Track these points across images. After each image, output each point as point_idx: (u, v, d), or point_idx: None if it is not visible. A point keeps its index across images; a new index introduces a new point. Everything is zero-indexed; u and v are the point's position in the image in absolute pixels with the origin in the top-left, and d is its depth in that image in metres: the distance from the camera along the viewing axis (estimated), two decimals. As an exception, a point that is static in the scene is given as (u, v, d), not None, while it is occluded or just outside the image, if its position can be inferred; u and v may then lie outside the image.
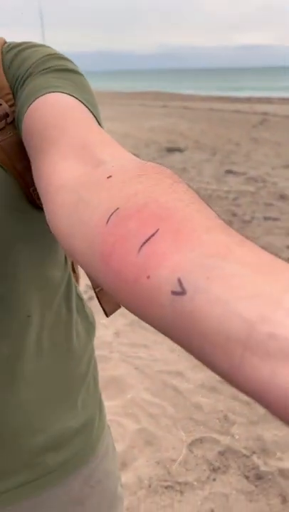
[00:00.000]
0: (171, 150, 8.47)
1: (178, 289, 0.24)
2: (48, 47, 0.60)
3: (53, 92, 0.51)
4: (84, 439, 0.73)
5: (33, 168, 0.48)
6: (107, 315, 0.75)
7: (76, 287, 0.74)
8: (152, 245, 0.27)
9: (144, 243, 0.27)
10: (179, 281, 0.24)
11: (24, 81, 0.55)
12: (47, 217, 0.41)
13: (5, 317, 0.60)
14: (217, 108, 17.09)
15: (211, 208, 0.31)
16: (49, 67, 0.55)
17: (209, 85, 41.75)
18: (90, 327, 0.76)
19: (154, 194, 0.30)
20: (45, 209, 0.42)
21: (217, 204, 5.29)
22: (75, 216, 0.36)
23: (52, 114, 0.48)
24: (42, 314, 0.64)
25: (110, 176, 0.35)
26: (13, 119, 0.56)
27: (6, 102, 0.56)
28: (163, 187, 0.32)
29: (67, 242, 0.37)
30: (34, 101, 0.50)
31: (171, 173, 0.35)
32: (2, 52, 0.58)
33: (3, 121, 0.55)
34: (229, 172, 6.84)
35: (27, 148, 0.51)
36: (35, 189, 0.55)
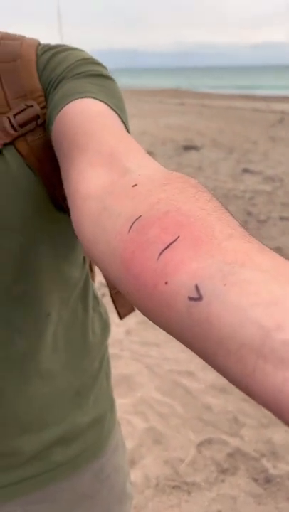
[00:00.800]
0: (187, 148, 8.44)
1: (195, 294, 0.25)
2: (82, 51, 0.60)
3: (85, 97, 0.51)
4: (95, 435, 0.73)
5: (62, 171, 0.49)
6: (120, 317, 0.76)
7: (92, 286, 0.75)
8: (172, 252, 0.27)
9: (164, 250, 0.28)
10: (196, 287, 0.25)
11: (57, 84, 0.56)
12: (73, 224, 0.42)
13: (24, 314, 0.61)
14: (235, 106, 16.98)
15: (230, 214, 0.32)
16: (82, 72, 0.56)
17: (227, 83, 41.50)
18: (105, 326, 0.77)
19: (177, 202, 0.31)
20: (72, 215, 0.43)
21: (233, 203, 5.25)
22: (99, 224, 0.37)
23: (82, 120, 0.48)
24: (59, 312, 0.65)
25: (136, 185, 0.36)
26: (44, 120, 0.56)
27: (38, 103, 0.56)
28: (186, 195, 0.32)
29: (91, 248, 0.38)
30: (66, 105, 0.51)
31: (195, 182, 0.36)
32: (37, 54, 0.59)
33: (34, 123, 0.56)
34: (246, 171, 6.79)
35: (56, 152, 0.51)
36: (60, 191, 0.56)
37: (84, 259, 0.71)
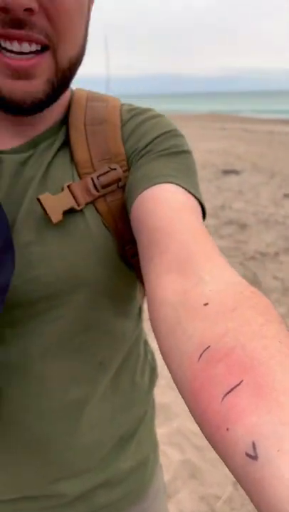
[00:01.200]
0: (227, 172, 8.43)
1: (252, 452, 0.26)
2: (165, 118, 0.63)
3: (167, 182, 0.54)
4: (138, 478, 0.73)
5: (141, 260, 0.51)
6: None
7: (144, 333, 0.76)
8: (235, 397, 0.29)
9: (228, 393, 0.30)
10: (253, 444, 0.26)
11: (141, 156, 0.58)
12: (151, 323, 0.45)
13: (81, 364, 0.62)
14: (276, 131, 16.87)
15: None
16: (166, 149, 0.58)
17: (269, 108, 41.40)
18: (153, 372, 0.78)
19: (243, 338, 0.33)
20: (149, 313, 0.45)
21: (274, 228, 5.17)
22: (172, 338, 0.40)
23: (161, 215, 0.50)
24: (111, 361, 0.66)
25: (207, 304, 0.38)
26: (124, 183, 0.59)
27: (121, 167, 0.59)
28: (253, 329, 0.33)
29: (163, 351, 0.41)
30: (148, 188, 0.53)
31: (265, 305, 0.37)
32: (122, 119, 0.62)
33: (115, 185, 0.58)
34: (287, 196, 6.69)
35: (135, 233, 0.54)
36: (130, 248, 0.59)
37: (139, 310, 0.72)
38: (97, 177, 0.58)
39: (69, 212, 0.56)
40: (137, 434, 0.73)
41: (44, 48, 0.49)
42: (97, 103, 0.63)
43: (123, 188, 0.59)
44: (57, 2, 0.47)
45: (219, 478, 1.90)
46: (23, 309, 0.57)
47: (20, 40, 0.47)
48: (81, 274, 0.57)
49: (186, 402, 0.36)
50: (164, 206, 0.51)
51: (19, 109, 0.52)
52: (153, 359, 0.79)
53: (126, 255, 0.60)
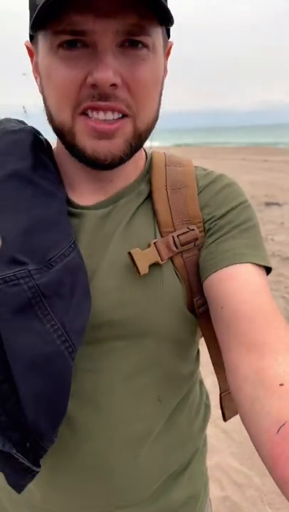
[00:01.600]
0: (269, 204, 8.39)
1: None
2: (237, 186, 0.71)
3: (243, 262, 0.61)
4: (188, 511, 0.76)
5: (219, 339, 0.60)
6: (225, 419, 0.80)
7: (200, 375, 0.82)
8: None
9: None
10: None
11: (219, 227, 0.66)
12: (233, 395, 0.54)
13: (142, 400, 0.68)
14: None
15: None
16: (240, 224, 0.65)
17: (313, 139, 40.96)
18: (207, 413, 0.82)
19: None
20: (230, 385, 0.55)
21: (317, 262, 5.08)
22: (252, 412, 0.48)
23: (242, 299, 0.58)
24: (171, 400, 0.72)
25: (282, 384, 0.48)
26: (200, 242, 0.66)
27: (198, 228, 0.66)
28: None
29: (245, 421, 0.51)
30: (227, 266, 0.61)
31: None
32: (198, 185, 0.69)
33: (192, 244, 0.66)
34: None
35: (209, 296, 0.62)
36: (198, 299, 0.66)
37: (197, 353, 0.78)
38: (178, 236, 0.65)
39: (153, 266, 0.63)
40: (188, 469, 0.77)
41: (124, 115, 0.57)
42: (175, 167, 0.70)
43: (198, 246, 0.66)
44: (136, 78, 0.55)
45: (260, 517, 1.86)
46: (95, 347, 0.64)
47: (105, 110, 0.56)
48: (152, 320, 0.64)
49: (266, 466, 0.45)
50: (244, 289, 0.59)
51: (101, 165, 0.60)
52: (207, 398, 0.84)
53: (193, 306, 0.66)
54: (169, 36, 0.63)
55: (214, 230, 0.66)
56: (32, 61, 0.63)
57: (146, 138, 0.62)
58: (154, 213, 0.67)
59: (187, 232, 0.65)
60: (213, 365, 0.71)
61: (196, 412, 0.78)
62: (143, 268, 0.62)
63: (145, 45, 0.55)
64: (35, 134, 0.67)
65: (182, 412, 0.74)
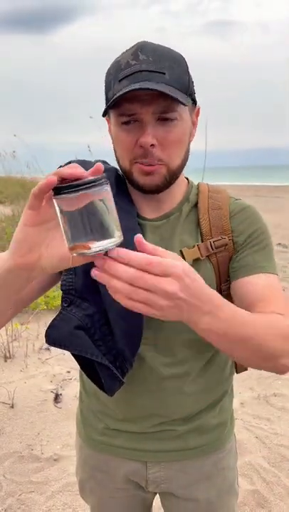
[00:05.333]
0: None
1: None
2: (258, 215, 1.00)
3: (261, 272, 0.93)
4: (218, 434, 1.07)
5: (239, 299, 0.93)
6: (237, 371, 1.12)
7: None
8: None
9: None
10: None
11: (246, 243, 0.96)
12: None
13: (183, 351, 0.99)
14: None
15: None
16: (260, 242, 0.96)
17: None
18: (232, 365, 1.12)
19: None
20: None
21: None
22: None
23: (262, 292, 0.91)
24: (205, 354, 1.01)
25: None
26: (230, 247, 0.96)
27: (227, 237, 0.96)
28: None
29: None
30: (252, 274, 0.93)
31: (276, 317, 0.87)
32: (230, 209, 0.98)
33: (223, 248, 0.96)
34: None
35: (235, 289, 0.95)
36: (224, 285, 0.97)
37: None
38: (214, 241, 0.94)
39: (196, 260, 0.93)
40: (219, 404, 1.06)
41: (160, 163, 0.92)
42: (215, 194, 1.00)
43: (228, 250, 0.96)
44: (166, 140, 0.86)
45: (285, 510, 2.08)
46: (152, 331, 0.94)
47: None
48: None
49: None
50: (263, 288, 0.91)
51: (147, 191, 0.92)
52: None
53: (221, 288, 0.97)
54: (196, 102, 0.93)
55: (239, 245, 0.96)
56: (108, 126, 0.95)
57: (178, 174, 0.92)
58: (198, 225, 0.97)
59: (220, 239, 0.95)
60: None
61: (225, 363, 1.05)
62: (188, 261, 0.90)
63: (173, 118, 0.85)
64: (117, 170, 1.03)
65: (214, 362, 1.04)
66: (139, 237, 0.61)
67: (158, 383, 0.99)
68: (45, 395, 3.03)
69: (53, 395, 3.02)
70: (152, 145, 0.85)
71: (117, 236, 0.61)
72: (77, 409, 1.16)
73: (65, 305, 0.92)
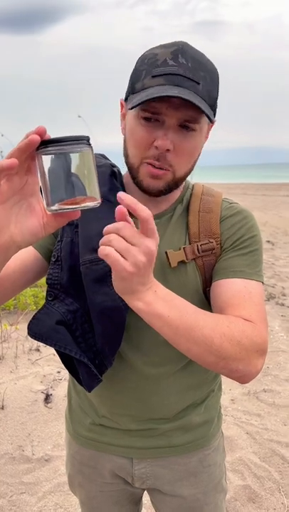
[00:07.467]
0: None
1: None
2: (252, 219, 0.98)
3: (240, 277, 0.90)
4: (203, 432, 1.07)
5: (215, 304, 0.91)
6: None
7: None
8: None
9: None
10: None
11: (233, 246, 0.94)
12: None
13: (164, 351, 0.96)
14: None
15: None
16: (244, 248, 0.93)
17: None
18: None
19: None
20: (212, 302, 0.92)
21: None
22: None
23: (233, 297, 0.88)
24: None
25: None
26: (217, 252, 0.94)
27: (215, 241, 0.94)
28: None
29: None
30: (233, 278, 0.90)
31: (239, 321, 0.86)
32: (221, 213, 0.96)
33: (210, 252, 0.94)
34: None
35: (213, 291, 0.92)
36: (210, 289, 0.94)
37: None
38: (201, 245, 0.93)
39: (181, 263, 0.93)
40: (205, 403, 1.06)
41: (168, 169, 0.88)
42: (208, 197, 0.98)
43: (215, 254, 0.94)
44: (181, 148, 0.85)
45: (276, 505, 2.10)
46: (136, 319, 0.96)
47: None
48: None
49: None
50: (239, 292, 0.88)
51: (150, 193, 0.91)
52: None
53: (206, 292, 0.95)
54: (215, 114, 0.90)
55: (229, 247, 0.94)
56: (121, 110, 0.93)
57: (180, 183, 0.92)
58: (187, 227, 0.95)
59: (207, 243, 0.93)
60: None
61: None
62: (173, 263, 0.92)
63: (194, 129, 0.85)
64: (112, 166, 1.02)
65: (196, 363, 1.03)
66: (121, 193, 0.66)
67: (139, 382, 1.00)
68: (36, 396, 3.02)
69: (43, 396, 3.00)
70: (168, 150, 0.84)
71: (99, 197, 0.62)
72: (66, 406, 1.17)
73: (50, 299, 0.92)
